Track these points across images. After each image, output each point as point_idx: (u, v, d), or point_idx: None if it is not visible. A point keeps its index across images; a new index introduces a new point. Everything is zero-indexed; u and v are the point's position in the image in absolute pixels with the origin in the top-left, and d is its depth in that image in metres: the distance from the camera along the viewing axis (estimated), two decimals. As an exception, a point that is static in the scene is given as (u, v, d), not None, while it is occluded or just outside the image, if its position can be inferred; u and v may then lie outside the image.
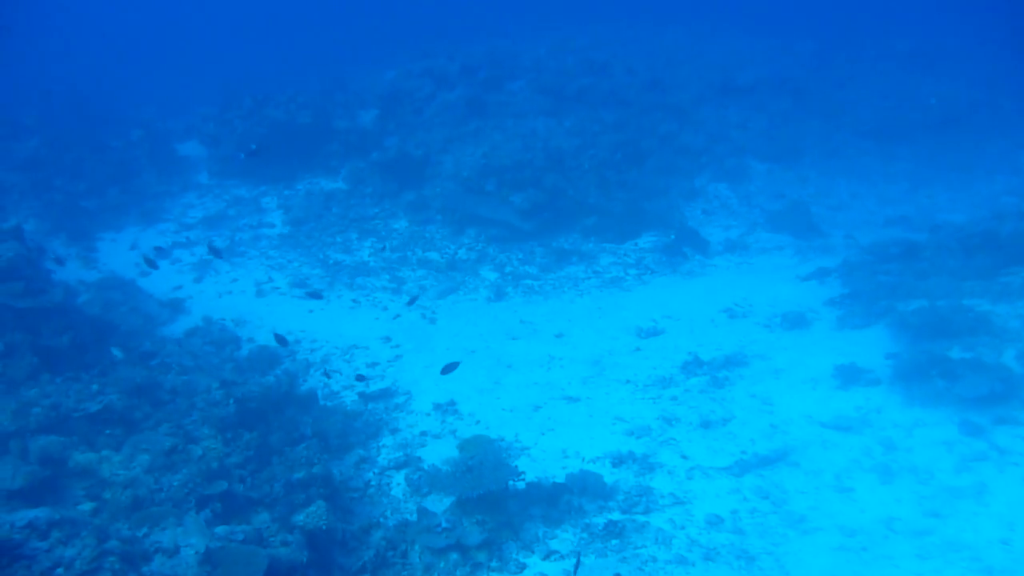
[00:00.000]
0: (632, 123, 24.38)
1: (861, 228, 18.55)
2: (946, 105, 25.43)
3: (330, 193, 21.01)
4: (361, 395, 13.00)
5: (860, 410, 10.60)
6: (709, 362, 12.44)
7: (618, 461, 10.41)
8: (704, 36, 34.77)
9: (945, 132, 24.42)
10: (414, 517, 9.55)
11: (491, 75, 26.79)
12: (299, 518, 8.81)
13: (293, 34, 44.52)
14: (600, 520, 9.21)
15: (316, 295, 15.72)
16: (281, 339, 12.02)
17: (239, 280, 17.03)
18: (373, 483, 10.87)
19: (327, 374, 13.52)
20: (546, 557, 8.71)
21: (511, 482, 9.46)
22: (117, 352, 11.43)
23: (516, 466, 9.71)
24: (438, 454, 11.23)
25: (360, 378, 13.02)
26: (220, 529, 7.69)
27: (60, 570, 6.18)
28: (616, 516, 9.31)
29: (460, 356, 13.96)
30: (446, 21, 43.07)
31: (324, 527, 8.41)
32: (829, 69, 29.94)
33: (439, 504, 10.06)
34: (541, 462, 10.70)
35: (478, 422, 12.00)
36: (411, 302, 15.31)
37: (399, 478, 10.84)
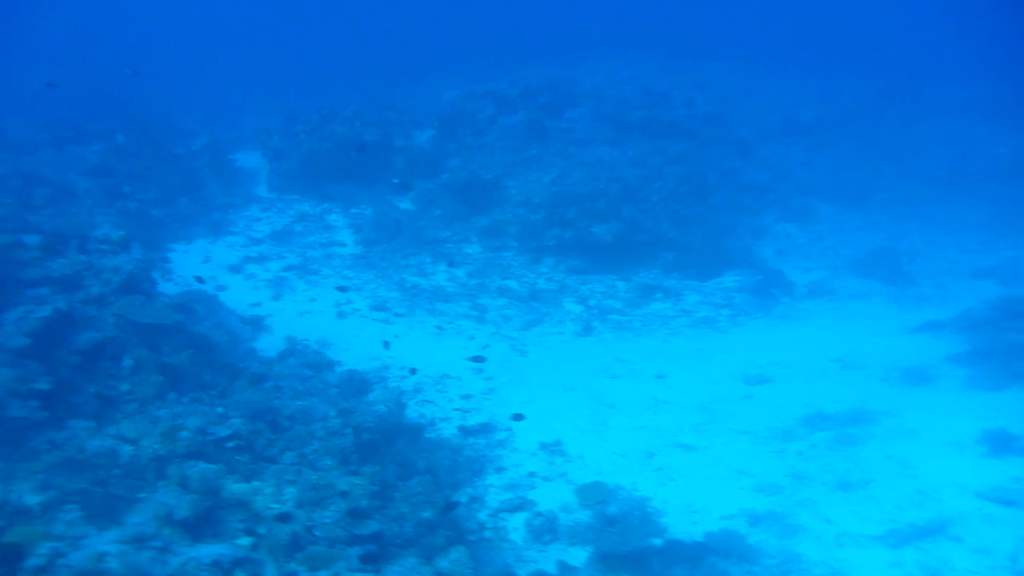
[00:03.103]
0: (694, 156, 24.25)
1: (946, 277, 18.33)
2: (1016, 155, 25.35)
3: (400, 214, 20.82)
4: (461, 428, 12.72)
5: (1020, 482, 10.25)
6: (833, 416, 12.15)
7: (755, 520, 10.09)
8: (755, 74, 34.83)
9: (1015, 182, 24.28)
10: (552, 570, 9.23)
11: (551, 101, 26.73)
12: (443, 564, 8.51)
13: (336, 48, 44.78)
14: (750, 586, 8.89)
15: (343, 289, 15.92)
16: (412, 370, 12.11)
17: (318, 300, 16.77)
18: (488, 525, 10.58)
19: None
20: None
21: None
22: (234, 374, 11.15)
23: (663, 524, 9.40)
24: (552, 498, 10.96)
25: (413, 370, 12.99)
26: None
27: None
28: (768, 583, 8.98)
29: (557, 392, 13.76)
30: (490, 43, 43.33)
31: (471, 576, 8.13)
32: (890, 113, 29.89)
33: (564, 554, 9.79)
34: (667, 516, 10.36)
35: (589, 466, 11.68)
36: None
37: (516, 522, 10.55)
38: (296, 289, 17.28)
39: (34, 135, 22.34)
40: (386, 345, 13.34)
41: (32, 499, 6.90)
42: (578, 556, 9.60)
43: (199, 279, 14.00)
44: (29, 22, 42.86)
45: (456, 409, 13.28)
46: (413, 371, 13.84)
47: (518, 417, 11.53)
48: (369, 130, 23.27)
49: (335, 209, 21.65)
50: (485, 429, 12.74)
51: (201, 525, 7.43)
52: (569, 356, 15.04)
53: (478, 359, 12.85)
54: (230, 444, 9.26)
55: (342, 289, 16.50)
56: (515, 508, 10.81)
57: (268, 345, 14.63)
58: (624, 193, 20.05)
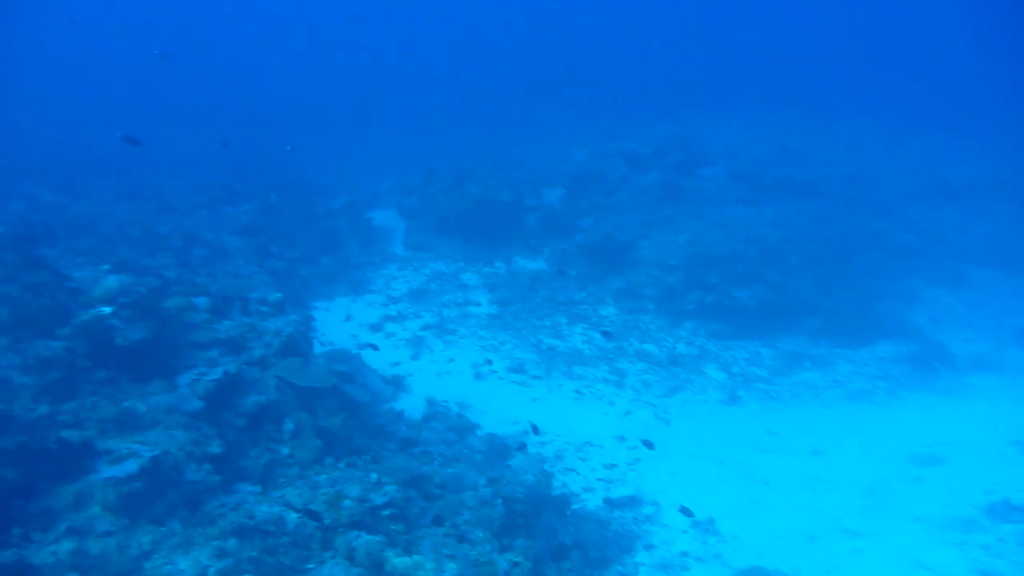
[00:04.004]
0: (836, 217, 23.29)
1: None
2: None
3: (534, 274, 20.84)
4: (607, 500, 12.32)
5: None
6: (1022, 508, 11.08)
7: (943, 619, 9.23)
8: (898, 130, 33.39)
9: None
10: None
11: (683, 159, 26.44)
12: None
13: (465, 105, 45.99)
14: None
15: (372, 346, 15.89)
16: (534, 428, 11.77)
17: (455, 360, 16.81)
18: (644, 609, 10.08)
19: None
20: None
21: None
22: (383, 437, 11.19)
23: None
24: (708, 581, 10.36)
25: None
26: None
27: None
28: None
29: (705, 464, 13.18)
30: (617, 99, 43.51)
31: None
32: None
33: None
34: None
35: (746, 548, 11.03)
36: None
37: (671, 606, 10.01)
38: (434, 349, 17.41)
39: (190, 195, 23.75)
40: (535, 430, 13.01)
41: (212, 567, 6.98)
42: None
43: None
44: (164, 86, 46.11)
45: (600, 479, 12.90)
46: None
47: (687, 512, 10.97)
48: (503, 189, 23.57)
49: (469, 268, 21.89)
50: (632, 502, 12.31)
51: (368, 602, 7.35)
52: (715, 426, 14.44)
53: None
54: (385, 512, 9.21)
55: (488, 362, 16.57)
56: (668, 591, 10.31)
57: (409, 405, 14.70)
58: (764, 255, 19.41)
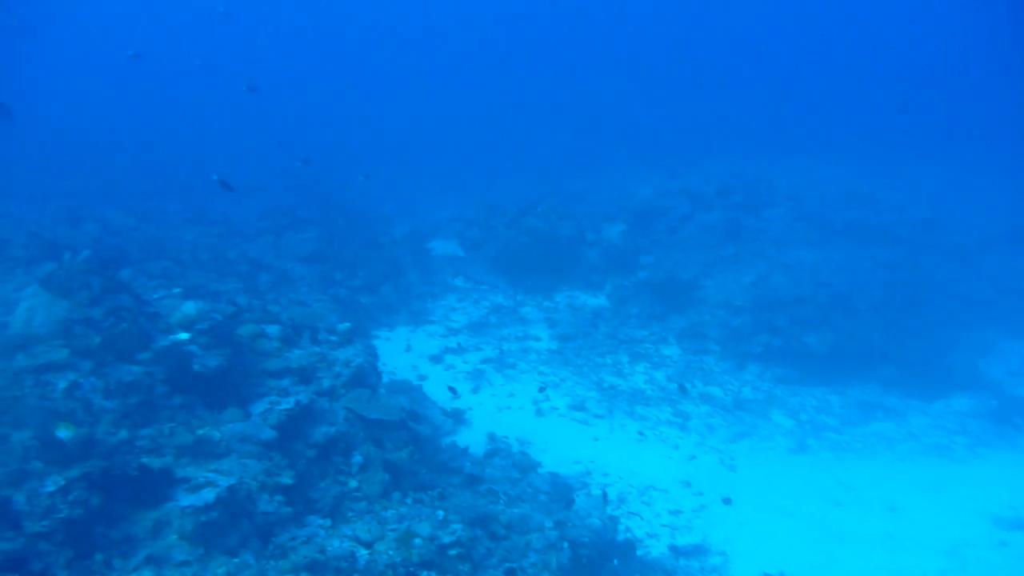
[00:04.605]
0: (907, 263, 22.67)
1: None
2: None
3: (595, 310, 20.68)
4: (672, 548, 12.00)
5: None
6: (1122, 578, 10.50)
7: None
8: (974, 173, 32.49)
9: None
10: None
11: (747, 199, 26.16)
12: None
13: (523, 135, 46.15)
14: None
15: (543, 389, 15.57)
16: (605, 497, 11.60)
17: (516, 395, 16.66)
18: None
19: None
20: None
21: None
22: (447, 472, 11.07)
23: None
24: (782, 641, 9.95)
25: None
26: None
27: None
28: None
29: (775, 516, 12.77)
30: (680, 133, 43.30)
31: None
32: None
33: None
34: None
35: (823, 607, 10.60)
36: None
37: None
38: (493, 383, 17.29)
39: (255, 221, 24.16)
40: (605, 498, 12.71)
41: (286, 604, 6.90)
42: None
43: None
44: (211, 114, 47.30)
45: (665, 525, 12.59)
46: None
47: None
48: (564, 224, 23.54)
49: (528, 301, 21.81)
50: (698, 551, 11.97)
51: (441, 646, 7.18)
52: (784, 475, 14.01)
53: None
54: (452, 552, 9.07)
55: (542, 389, 16.40)
56: (741, 649, 9.93)
57: (469, 440, 14.58)
58: (833, 300, 18.98)
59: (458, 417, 15.59)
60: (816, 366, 17.55)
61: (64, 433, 7.00)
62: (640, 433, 15.43)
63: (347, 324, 12.84)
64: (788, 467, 14.32)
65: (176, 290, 13.68)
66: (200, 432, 8.65)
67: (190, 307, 10.16)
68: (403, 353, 18.35)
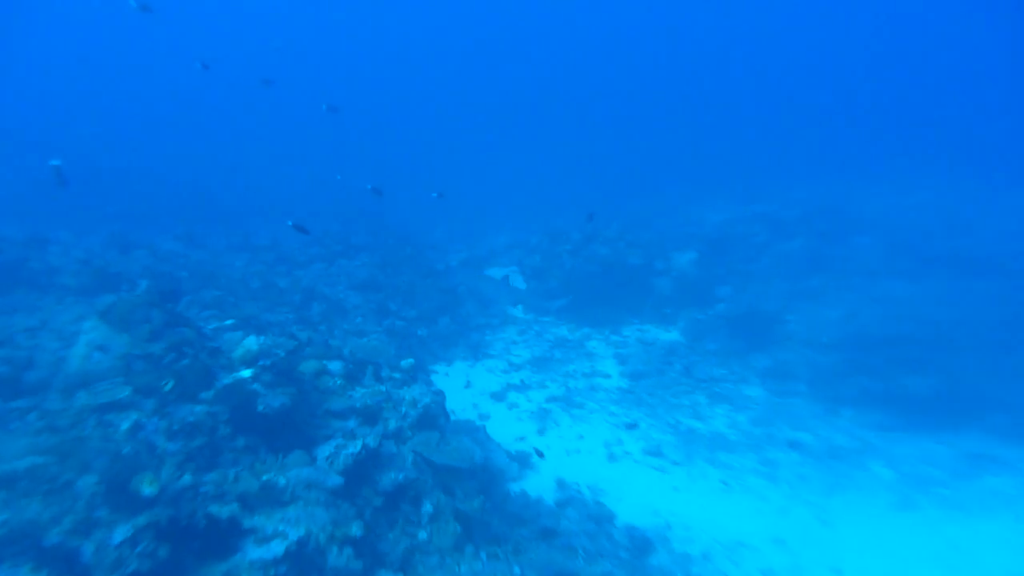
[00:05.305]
0: (1016, 298, 21.88)
1: None
2: None
3: (668, 346, 20.33)
4: (765, 614, 11.56)
5: None
6: None
7: None
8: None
9: None
10: None
11: (832, 226, 25.68)
12: None
13: (579, 161, 46.27)
14: None
15: (538, 452, 14.93)
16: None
17: (585, 437, 16.39)
18: None
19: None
20: None
21: None
22: (521, 525, 10.86)
23: None
24: None
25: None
26: None
27: None
28: None
29: (880, 580, 12.23)
30: (746, 158, 42.92)
31: None
32: None
33: None
34: None
35: None
36: None
37: None
38: (560, 424, 17.05)
39: (305, 247, 24.43)
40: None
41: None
42: None
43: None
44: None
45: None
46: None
47: None
48: (633, 252, 23.30)
49: (595, 335, 21.58)
50: (796, 618, 11.51)
51: None
52: (887, 535, 13.44)
53: None
54: (531, 613, 8.87)
55: (631, 425, 16.20)
56: None
57: (537, 486, 14.36)
58: (936, 339, 18.36)
59: (524, 461, 15.36)
60: (918, 412, 16.94)
61: (149, 490, 7.00)
62: (723, 483, 15.00)
63: (410, 360, 12.80)
64: (892, 525, 13.74)
65: (229, 321, 13.81)
66: (265, 478, 8.60)
67: (252, 342, 10.18)
68: (463, 390, 18.23)
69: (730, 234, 25.56)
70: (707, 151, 44.68)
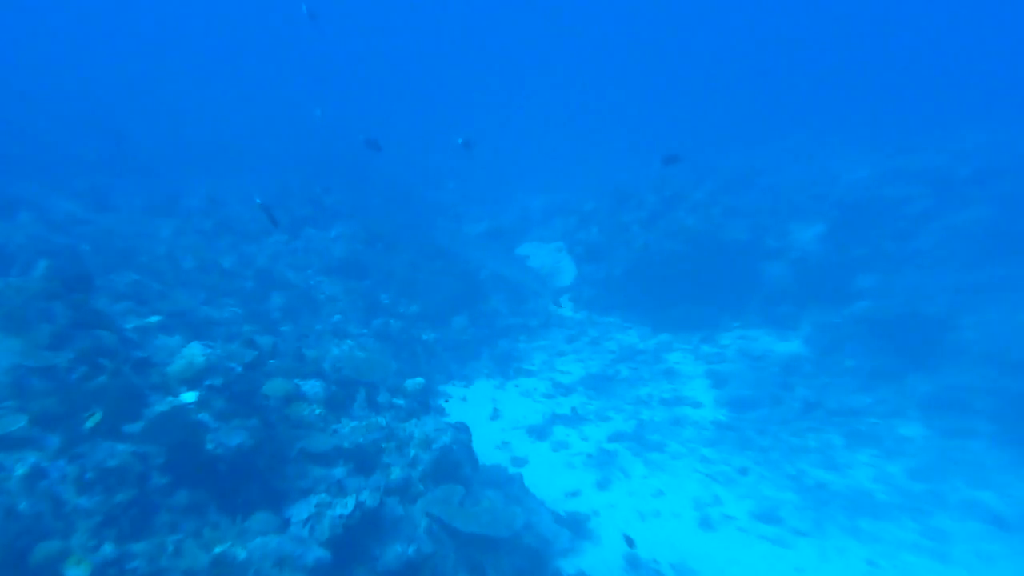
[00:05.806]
0: None
1: None
2: None
3: (786, 361, 20.21)
4: None
5: None
6: None
7: None
8: None
9: None
10: None
11: (1021, 186, 25.38)
12: None
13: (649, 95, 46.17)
14: None
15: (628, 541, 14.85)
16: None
17: (667, 494, 16.33)
18: None
19: None
20: None
21: None
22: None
23: None
24: None
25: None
26: None
27: None
28: None
29: None
30: (895, 91, 42.57)
31: None
32: None
33: None
34: None
35: None
36: None
37: None
38: (630, 474, 17.01)
39: (256, 211, 24.45)
40: None
41: None
42: None
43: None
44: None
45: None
46: None
47: None
48: (734, 224, 23.16)
49: (678, 344, 21.51)
50: None
51: None
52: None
53: None
54: None
55: (743, 471, 16.16)
56: None
57: (597, 562, 14.31)
58: None
59: (578, 526, 15.30)
60: None
61: (76, 573, 6.99)
62: (870, 563, 14.89)
63: (419, 380, 12.75)
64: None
65: (154, 318, 13.77)
66: (218, 550, 8.55)
67: (196, 352, 10.16)
68: (487, 422, 18.24)
69: (874, 198, 25.30)
70: (839, 80, 44.34)
